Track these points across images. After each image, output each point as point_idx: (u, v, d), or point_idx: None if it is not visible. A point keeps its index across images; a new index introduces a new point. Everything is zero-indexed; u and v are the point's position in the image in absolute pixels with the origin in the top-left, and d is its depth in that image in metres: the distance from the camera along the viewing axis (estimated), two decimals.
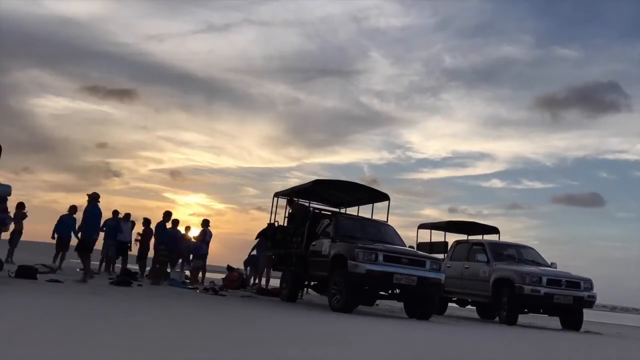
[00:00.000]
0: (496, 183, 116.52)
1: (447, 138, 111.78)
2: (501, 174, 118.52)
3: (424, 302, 9.48)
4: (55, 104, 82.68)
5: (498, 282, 11.03)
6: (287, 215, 12.30)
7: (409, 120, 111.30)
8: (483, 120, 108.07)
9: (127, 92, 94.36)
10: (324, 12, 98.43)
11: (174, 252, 14.14)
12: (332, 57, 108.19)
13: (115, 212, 14.92)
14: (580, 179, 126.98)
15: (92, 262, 14.19)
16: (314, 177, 12.10)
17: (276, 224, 12.43)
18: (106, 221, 13.96)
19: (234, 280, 13.98)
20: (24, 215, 14.27)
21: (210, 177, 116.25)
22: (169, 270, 14.36)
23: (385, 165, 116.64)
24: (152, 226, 14.07)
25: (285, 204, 12.58)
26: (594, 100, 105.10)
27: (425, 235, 14.81)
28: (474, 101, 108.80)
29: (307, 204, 12.95)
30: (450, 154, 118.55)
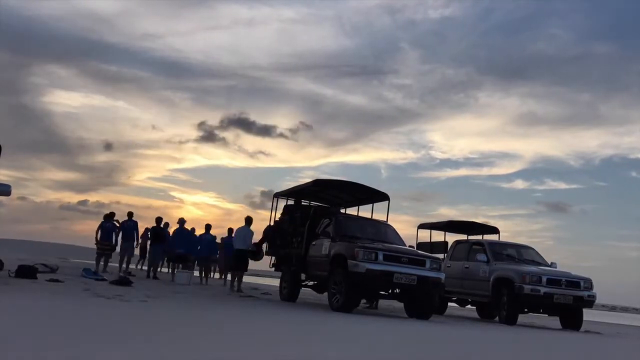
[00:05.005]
0: (519, 183, 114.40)
1: (472, 136, 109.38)
2: (523, 172, 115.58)
3: (424, 301, 9.48)
4: (68, 101, 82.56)
5: (498, 281, 11.03)
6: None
7: (433, 117, 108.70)
8: (514, 117, 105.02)
9: (144, 88, 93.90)
10: (358, 4, 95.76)
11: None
12: (361, 52, 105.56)
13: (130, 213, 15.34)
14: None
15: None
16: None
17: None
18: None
19: None
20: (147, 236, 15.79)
21: (224, 175, 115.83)
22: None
23: (405, 165, 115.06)
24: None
25: (285, 204, 12.58)
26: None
27: (425, 236, 14.85)
28: (506, 98, 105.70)
29: (307, 204, 12.94)
30: (475, 154, 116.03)
